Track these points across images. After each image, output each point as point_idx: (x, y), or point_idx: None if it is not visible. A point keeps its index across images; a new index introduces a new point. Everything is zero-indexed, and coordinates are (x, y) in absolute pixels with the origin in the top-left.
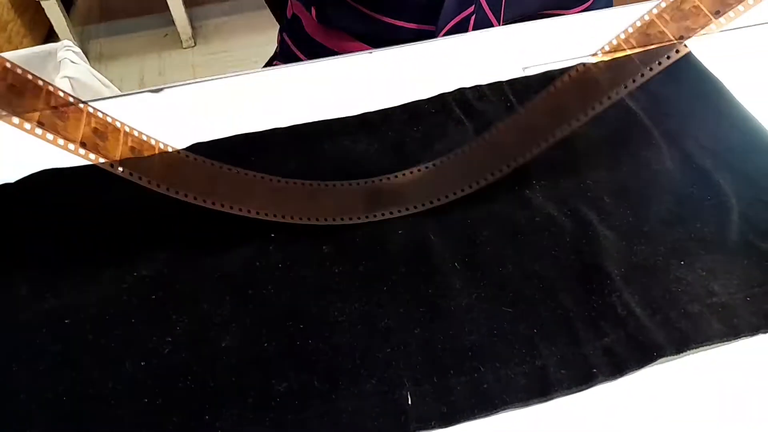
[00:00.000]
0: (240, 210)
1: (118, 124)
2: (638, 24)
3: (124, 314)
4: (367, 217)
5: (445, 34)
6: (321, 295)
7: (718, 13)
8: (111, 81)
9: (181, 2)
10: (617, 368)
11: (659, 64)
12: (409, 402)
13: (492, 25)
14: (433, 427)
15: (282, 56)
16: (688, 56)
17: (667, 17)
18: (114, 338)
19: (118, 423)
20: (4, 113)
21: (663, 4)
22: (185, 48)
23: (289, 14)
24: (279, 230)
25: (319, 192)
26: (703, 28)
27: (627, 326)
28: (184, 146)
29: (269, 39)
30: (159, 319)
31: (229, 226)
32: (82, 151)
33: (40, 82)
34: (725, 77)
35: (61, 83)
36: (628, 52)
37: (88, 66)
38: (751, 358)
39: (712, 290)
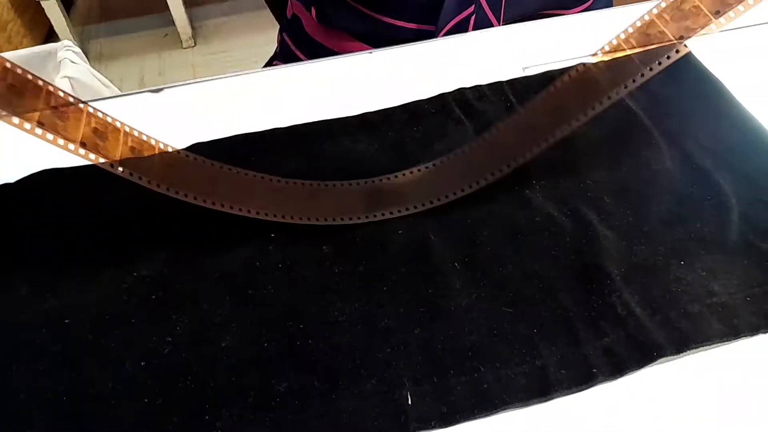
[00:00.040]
0: (240, 210)
1: (118, 124)
2: (638, 24)
3: (124, 314)
4: (367, 217)
5: (445, 34)
6: (321, 295)
7: (718, 13)
8: (111, 81)
9: (181, 2)
10: (617, 368)
11: (659, 64)
12: (409, 402)
13: (492, 25)
14: (433, 427)
15: (282, 56)
16: (688, 56)
17: (667, 17)
18: (114, 338)
19: (118, 423)
20: (4, 113)
21: (663, 4)
22: (185, 48)
23: (289, 14)
24: (279, 230)
25: (319, 192)
26: (703, 28)
27: (627, 326)
28: (184, 146)
29: (269, 39)
30: (159, 319)
31: (229, 226)
32: (82, 151)
33: (40, 82)
34: (725, 77)
35: (61, 83)
36: (628, 52)
37: (88, 66)
38: (751, 358)
39: (712, 290)
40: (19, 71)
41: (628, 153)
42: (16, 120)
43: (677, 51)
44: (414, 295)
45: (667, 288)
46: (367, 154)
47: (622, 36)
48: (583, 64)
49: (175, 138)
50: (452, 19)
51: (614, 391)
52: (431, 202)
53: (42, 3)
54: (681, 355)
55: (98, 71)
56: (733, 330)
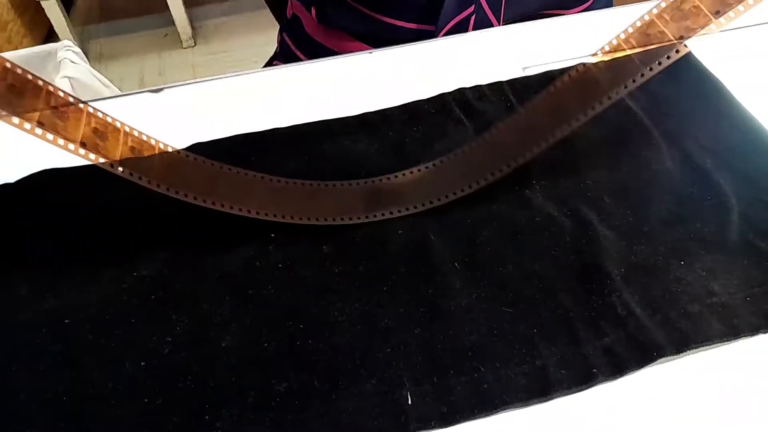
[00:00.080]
0: (240, 210)
1: (118, 124)
2: (638, 24)
3: (124, 314)
4: (367, 217)
5: (445, 34)
6: (321, 295)
7: (718, 13)
8: (111, 81)
9: (181, 2)
10: (617, 368)
11: (659, 64)
12: (409, 402)
13: (492, 25)
14: (433, 427)
15: (282, 56)
16: (688, 56)
17: (667, 17)
18: (114, 338)
19: (118, 423)
20: (4, 113)
21: (663, 4)
22: (185, 48)
23: (289, 14)
24: (279, 230)
25: (319, 192)
26: (703, 28)
27: (627, 326)
28: (184, 146)
29: (269, 39)
30: (159, 319)
31: (229, 226)
32: (82, 151)
33: (40, 82)
34: (725, 77)
35: (61, 83)
36: (628, 52)
37: (88, 66)
38: (751, 358)
39: (712, 290)
40: (19, 71)
41: (628, 153)
42: (16, 120)
43: (677, 51)
44: (414, 295)
45: (667, 288)
46: (367, 154)
47: (622, 36)
48: (583, 64)
49: (175, 138)
50: (452, 19)
51: (614, 391)
52: (431, 202)
53: (42, 3)
54: (681, 355)
55: (98, 71)
56: (733, 330)
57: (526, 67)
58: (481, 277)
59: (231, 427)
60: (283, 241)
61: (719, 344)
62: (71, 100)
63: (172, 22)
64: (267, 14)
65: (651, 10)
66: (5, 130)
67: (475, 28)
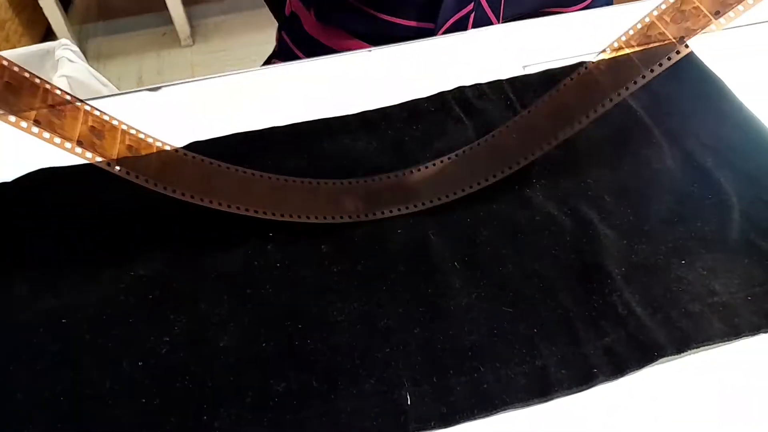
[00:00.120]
0: (238, 209)
1: (116, 123)
2: (638, 26)
3: (122, 314)
4: (366, 215)
5: (444, 32)
6: (320, 295)
7: (718, 14)
8: (109, 80)
9: (179, 1)
10: (618, 368)
11: (660, 65)
12: (409, 402)
13: (491, 23)
14: (433, 428)
15: (281, 54)
16: (689, 55)
17: (668, 19)
18: (112, 338)
19: (116, 423)
20: (1, 112)
21: (663, 6)
22: (184, 47)
23: (287, 12)
24: (278, 229)
25: (319, 190)
26: (703, 28)
27: (627, 326)
28: (183, 145)
29: (268, 37)
30: (157, 318)
31: (227, 225)
32: (78, 149)
33: (38, 81)
34: (726, 76)
35: (59, 82)
36: (629, 52)
37: (86, 65)
38: (752, 358)
39: (713, 289)
40: (16, 69)
41: (628, 152)
42: (12, 118)
43: (678, 52)
44: (414, 294)
45: (668, 287)
46: (366, 152)
47: (623, 38)
48: (585, 67)
49: (173, 136)
50: (451, 16)
51: (614, 391)
52: (431, 201)
53: (40, 1)
54: (682, 354)
55: (96, 70)
56: (734, 329)
57: (526, 66)
58: (481, 276)
59: (229, 427)
60: (282, 240)
61: (720, 344)
62: (68, 98)
63: (171, 21)
64: (266, 12)
65: (651, 12)
66: (2, 128)
67: (474, 26)
